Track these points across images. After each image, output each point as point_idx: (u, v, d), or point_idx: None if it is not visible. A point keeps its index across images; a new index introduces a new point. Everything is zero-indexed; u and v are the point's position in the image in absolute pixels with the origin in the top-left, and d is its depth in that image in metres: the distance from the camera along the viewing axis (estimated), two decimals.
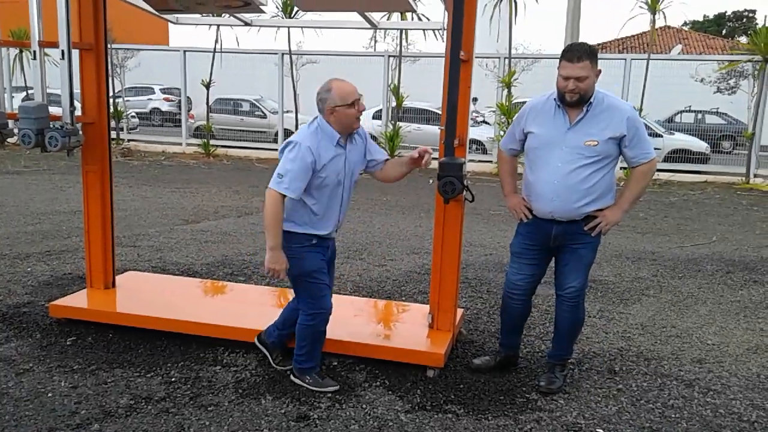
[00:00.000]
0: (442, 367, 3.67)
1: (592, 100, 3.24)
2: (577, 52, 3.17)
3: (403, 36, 15.76)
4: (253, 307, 4.33)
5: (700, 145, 15.03)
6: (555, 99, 3.31)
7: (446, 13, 3.75)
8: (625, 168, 3.42)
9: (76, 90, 4.02)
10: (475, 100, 17.06)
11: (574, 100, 3.20)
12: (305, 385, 3.47)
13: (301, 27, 12.20)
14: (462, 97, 3.56)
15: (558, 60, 3.25)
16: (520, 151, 3.58)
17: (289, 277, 3.36)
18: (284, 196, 3.16)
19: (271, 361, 3.72)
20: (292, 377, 3.54)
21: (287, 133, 15.74)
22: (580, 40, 4.66)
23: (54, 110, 3.85)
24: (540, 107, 3.38)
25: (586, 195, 3.27)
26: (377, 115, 15.93)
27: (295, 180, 3.14)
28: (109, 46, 4.89)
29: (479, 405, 3.36)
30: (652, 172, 3.40)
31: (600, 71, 3.24)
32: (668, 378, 3.78)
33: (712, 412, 3.38)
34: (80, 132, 4.04)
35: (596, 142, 3.22)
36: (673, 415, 3.34)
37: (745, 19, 42.87)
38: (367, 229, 7.65)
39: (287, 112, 15.84)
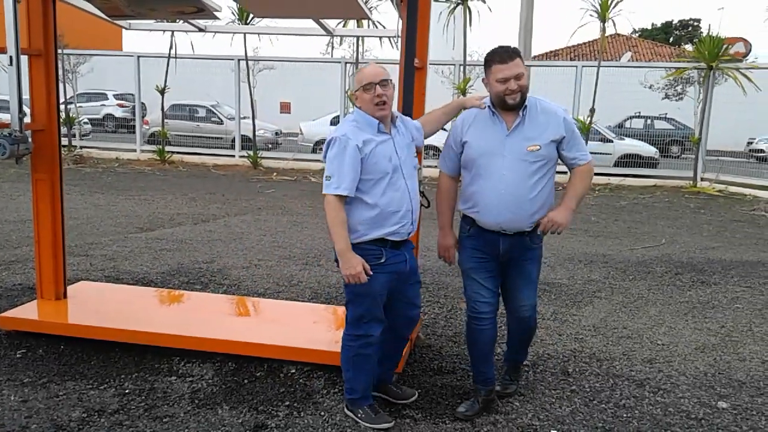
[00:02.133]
0: (400, 372, 3.69)
1: (526, 103, 3.14)
2: (507, 52, 3.09)
3: (360, 43, 15.80)
4: (210, 316, 4.29)
5: (649, 150, 15.45)
6: (490, 107, 3.19)
7: (400, 21, 3.79)
8: (564, 172, 3.35)
9: (26, 96, 3.94)
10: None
11: (517, 101, 3.09)
12: (357, 419, 3.21)
13: (257, 33, 12.14)
14: (417, 104, 3.60)
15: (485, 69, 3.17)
16: (458, 169, 3.37)
17: (345, 288, 3.15)
18: (340, 196, 2.93)
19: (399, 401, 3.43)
20: (345, 410, 3.30)
21: (244, 139, 15.63)
22: (533, 48, 4.73)
23: (2, 117, 3.76)
24: (473, 117, 3.24)
25: (535, 203, 3.14)
26: (335, 121, 15.95)
27: (345, 176, 2.91)
28: (60, 51, 4.80)
29: (436, 409, 3.40)
30: (592, 173, 3.31)
31: (528, 70, 3.21)
32: (620, 378, 3.88)
33: (662, 411, 3.48)
34: (30, 139, 3.95)
35: (538, 147, 3.11)
36: (624, 415, 3.42)
37: (690, 28, 44.22)
38: (326, 235, 7.62)
39: (244, 118, 15.71)
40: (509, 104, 3.11)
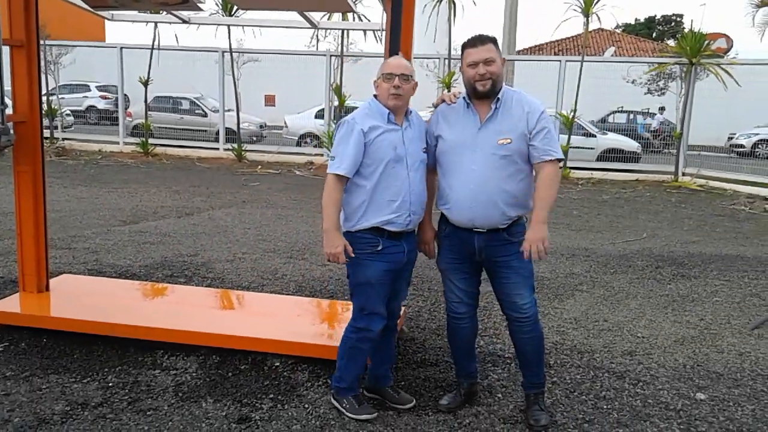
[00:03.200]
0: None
1: (500, 95, 3.05)
2: (480, 38, 3.04)
3: (345, 36, 15.76)
4: (194, 309, 4.28)
5: (631, 145, 15.58)
6: (464, 98, 3.12)
7: (385, 14, 3.79)
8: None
9: (7, 88, 3.90)
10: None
11: (488, 88, 3.00)
12: (341, 409, 3.25)
13: (241, 25, 12.07)
14: None
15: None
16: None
17: (349, 280, 3.21)
18: (340, 176, 3.00)
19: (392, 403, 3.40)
20: (331, 398, 3.35)
21: (228, 131, 15.56)
22: (517, 42, 4.72)
23: None
24: (448, 110, 3.18)
25: (507, 199, 3.03)
26: (320, 114, 15.91)
27: (347, 157, 2.99)
28: (42, 42, 4.75)
29: (419, 401, 3.42)
30: (559, 177, 3.17)
31: (505, 60, 3.09)
32: (600, 370, 3.94)
33: (641, 402, 3.54)
34: (11, 131, 3.92)
35: (509, 140, 3.00)
36: (605, 406, 3.48)
37: (673, 23, 44.53)
38: (310, 228, 7.64)
39: (228, 110, 15.64)
40: (479, 91, 3.02)
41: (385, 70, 3.09)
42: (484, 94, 3.03)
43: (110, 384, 3.49)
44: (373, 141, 3.02)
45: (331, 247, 3.02)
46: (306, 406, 3.33)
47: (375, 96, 3.15)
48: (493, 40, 3.07)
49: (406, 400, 3.41)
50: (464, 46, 3.08)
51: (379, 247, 3.08)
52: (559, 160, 3.09)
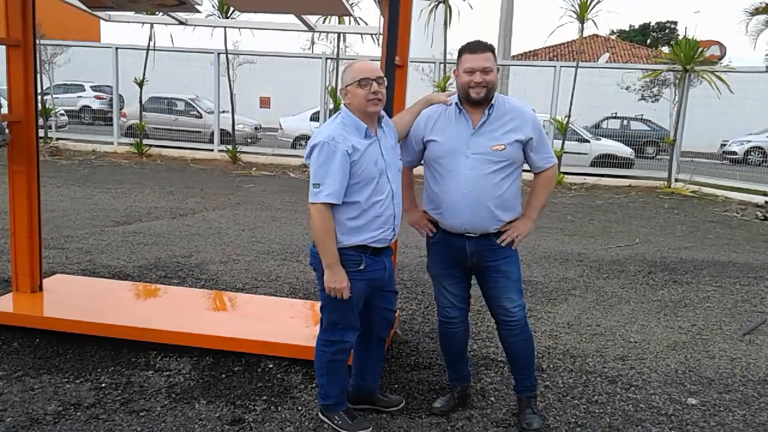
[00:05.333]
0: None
1: (493, 102, 3.05)
2: (480, 44, 3.02)
3: (341, 39, 15.78)
4: (187, 310, 4.28)
5: (625, 151, 15.65)
6: (457, 103, 3.10)
7: (382, 18, 3.81)
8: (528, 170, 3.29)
9: (2, 87, 3.90)
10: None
11: (481, 96, 3.00)
12: (334, 426, 3.14)
13: (237, 27, 12.07)
14: (397, 101, 3.64)
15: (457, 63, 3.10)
16: (417, 164, 3.32)
17: (319, 292, 3.03)
18: (328, 204, 2.82)
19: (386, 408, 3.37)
20: (320, 415, 3.24)
21: (223, 133, 15.55)
22: (512, 47, 4.73)
23: None
24: (438, 114, 3.16)
25: (499, 204, 3.06)
26: (315, 117, 15.92)
27: (334, 183, 2.79)
28: (37, 41, 4.74)
29: (412, 404, 3.44)
30: (555, 178, 3.26)
31: (499, 69, 3.16)
32: (593, 375, 3.95)
33: (633, 407, 3.56)
34: (6, 131, 3.91)
35: (503, 146, 3.01)
36: (597, 411, 3.49)
37: (667, 30, 44.77)
38: (304, 231, 7.64)
39: (223, 112, 15.62)
40: (472, 98, 3.01)
41: (359, 76, 2.87)
42: (476, 101, 3.03)
43: (103, 384, 3.49)
44: (357, 161, 2.84)
45: (336, 282, 2.87)
46: (299, 408, 3.33)
47: (346, 106, 2.97)
48: (492, 49, 3.07)
49: (396, 401, 3.40)
50: (463, 50, 3.05)
51: (362, 266, 2.95)
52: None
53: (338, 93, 2.97)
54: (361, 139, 2.90)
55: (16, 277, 4.33)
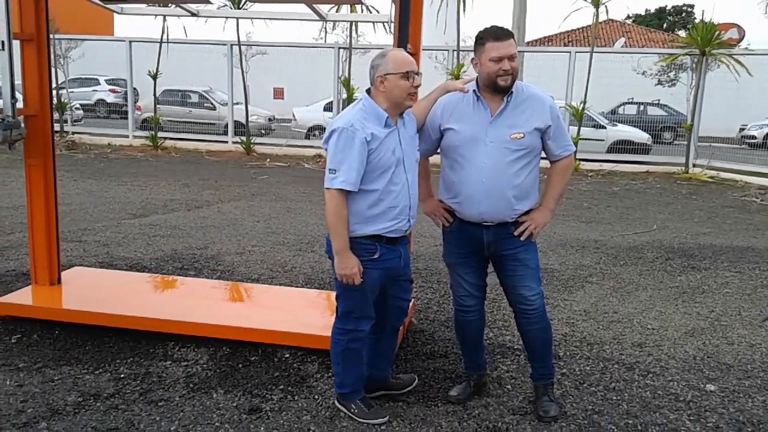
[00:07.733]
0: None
1: (512, 89, 2.99)
2: (503, 31, 2.93)
3: (353, 28, 15.73)
4: (204, 301, 4.31)
5: (642, 136, 15.49)
6: (475, 90, 3.04)
7: (393, 6, 3.78)
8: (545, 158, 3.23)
9: (18, 81, 3.92)
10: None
11: (508, 84, 2.94)
12: (350, 414, 3.13)
13: (250, 18, 12.07)
14: None
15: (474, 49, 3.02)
16: (433, 152, 3.27)
17: (334, 281, 3.01)
18: (343, 191, 2.81)
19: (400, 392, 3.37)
20: (336, 403, 3.23)
21: (237, 124, 15.58)
22: (526, 33, 4.69)
23: None
24: (456, 102, 3.09)
25: (517, 193, 3.02)
26: (328, 107, 15.91)
27: (351, 170, 2.77)
28: (51, 36, 4.76)
29: (429, 392, 3.44)
30: (572, 167, 3.22)
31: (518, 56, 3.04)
32: (610, 362, 3.93)
33: (651, 394, 3.53)
34: (22, 125, 3.95)
35: (522, 135, 2.97)
36: (614, 398, 3.47)
37: (684, 14, 44.19)
38: (319, 221, 7.66)
39: (237, 103, 15.66)
40: (500, 86, 2.95)
41: (404, 67, 2.84)
42: (504, 89, 2.97)
43: (122, 375, 3.52)
44: (375, 149, 2.83)
45: (346, 269, 2.86)
46: (316, 397, 3.35)
47: (368, 91, 2.95)
48: (513, 35, 3.01)
49: (408, 380, 3.41)
50: (486, 38, 2.96)
51: (376, 255, 2.94)
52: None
53: (372, 77, 2.92)
54: (381, 127, 2.87)
55: (34, 270, 4.38)
